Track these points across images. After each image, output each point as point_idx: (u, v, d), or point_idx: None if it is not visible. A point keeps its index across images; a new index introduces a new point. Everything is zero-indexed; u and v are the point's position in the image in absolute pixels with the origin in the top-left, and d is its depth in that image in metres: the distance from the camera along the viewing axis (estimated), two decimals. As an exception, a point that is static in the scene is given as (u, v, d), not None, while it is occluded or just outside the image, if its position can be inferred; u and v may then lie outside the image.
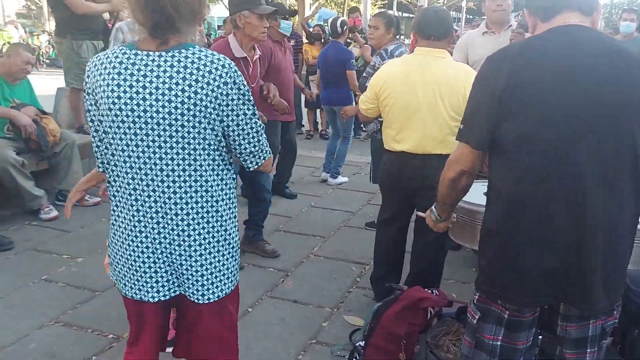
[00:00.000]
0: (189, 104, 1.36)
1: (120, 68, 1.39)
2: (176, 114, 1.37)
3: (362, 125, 7.92)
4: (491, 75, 1.49)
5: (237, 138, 1.47)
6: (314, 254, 3.65)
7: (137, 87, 1.38)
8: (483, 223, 1.64)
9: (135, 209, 1.47)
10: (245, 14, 2.96)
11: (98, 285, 3.06)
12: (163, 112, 1.37)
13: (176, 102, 1.36)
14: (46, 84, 8.01)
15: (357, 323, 2.73)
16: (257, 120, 1.49)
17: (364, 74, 3.81)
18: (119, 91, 1.38)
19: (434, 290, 2.52)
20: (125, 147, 1.42)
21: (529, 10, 1.60)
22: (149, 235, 1.48)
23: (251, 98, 1.46)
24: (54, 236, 3.73)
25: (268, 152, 1.58)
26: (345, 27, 5.39)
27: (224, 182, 1.52)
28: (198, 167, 1.44)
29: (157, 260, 1.50)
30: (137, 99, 1.38)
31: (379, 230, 2.98)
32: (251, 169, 1.56)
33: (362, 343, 2.43)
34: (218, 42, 3.27)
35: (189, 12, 1.40)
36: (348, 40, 7.32)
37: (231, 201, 1.55)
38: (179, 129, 1.39)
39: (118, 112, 1.39)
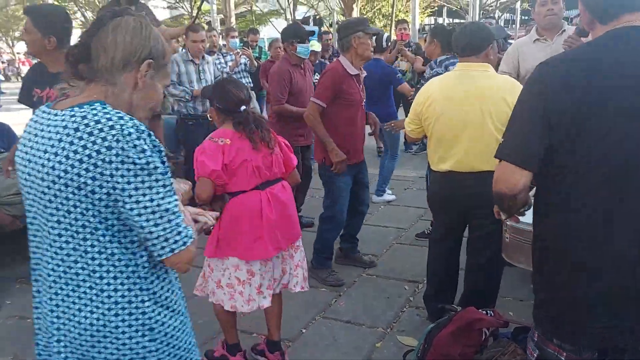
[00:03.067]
0: (67, 174, 1.16)
1: (28, 127, 1.28)
2: (59, 184, 1.17)
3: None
4: (543, 85, 1.39)
5: (135, 219, 1.18)
6: (367, 273, 3.66)
7: (30, 150, 1.23)
8: (534, 246, 1.57)
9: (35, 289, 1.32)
10: (359, 35, 3.26)
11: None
12: (46, 181, 1.19)
13: (59, 169, 1.16)
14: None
15: (410, 343, 2.72)
16: (166, 196, 1.19)
17: (419, 86, 3.84)
18: (19, 153, 1.27)
19: (489, 311, 2.48)
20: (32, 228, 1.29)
21: (585, 6, 1.45)
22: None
23: (152, 170, 1.17)
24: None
25: (184, 239, 1.23)
26: (390, 42, 5.40)
27: (122, 272, 1.23)
28: (83, 251, 1.21)
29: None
30: (29, 164, 1.23)
31: (431, 248, 2.96)
32: (161, 258, 1.22)
33: (416, 365, 2.42)
34: (333, 64, 3.46)
35: (108, 62, 1.22)
36: (397, 55, 7.34)
37: (137, 291, 1.24)
38: (63, 202, 1.18)
39: (19, 176, 1.28)
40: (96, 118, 1.15)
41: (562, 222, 1.45)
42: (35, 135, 1.22)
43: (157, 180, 1.18)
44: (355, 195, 3.66)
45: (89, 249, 1.20)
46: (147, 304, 1.25)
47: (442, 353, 2.33)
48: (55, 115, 1.21)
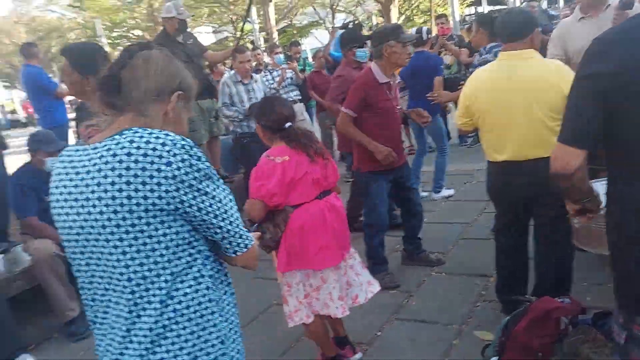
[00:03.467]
0: (131, 199, 1.14)
1: (60, 168, 1.25)
2: (122, 212, 1.15)
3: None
4: (597, 62, 1.40)
5: (212, 222, 1.22)
6: (435, 271, 3.67)
7: (74, 190, 1.20)
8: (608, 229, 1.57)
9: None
10: (391, 44, 3.27)
11: (240, 319, 3.37)
12: (102, 219, 1.16)
13: (120, 198, 1.14)
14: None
15: (487, 338, 2.72)
16: (225, 197, 1.24)
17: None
18: (56, 197, 1.24)
19: (564, 298, 2.44)
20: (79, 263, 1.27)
21: None
22: None
23: (212, 174, 1.22)
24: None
25: (250, 235, 1.31)
26: (430, 35, 5.37)
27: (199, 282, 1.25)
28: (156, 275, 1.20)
29: None
30: (76, 204, 1.19)
31: (497, 239, 2.95)
32: (233, 256, 1.30)
33: (495, 359, 2.42)
34: (364, 72, 3.49)
35: (149, 92, 1.23)
36: (440, 49, 7.28)
37: (212, 304, 1.28)
38: (128, 229, 1.17)
39: (60, 220, 1.25)
40: (145, 139, 1.14)
41: (619, 195, 1.48)
42: (77, 173, 1.19)
43: (217, 182, 1.23)
44: (404, 199, 3.71)
45: (161, 271, 1.19)
46: (215, 315, 1.29)
47: (521, 345, 2.32)
48: (95, 148, 1.19)
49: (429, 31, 5.39)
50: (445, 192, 5.35)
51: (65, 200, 1.21)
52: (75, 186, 1.19)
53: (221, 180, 1.26)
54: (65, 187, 1.21)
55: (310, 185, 2.46)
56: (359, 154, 3.48)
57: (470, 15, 32.56)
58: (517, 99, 2.49)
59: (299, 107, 6.75)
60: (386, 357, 2.72)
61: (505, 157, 2.60)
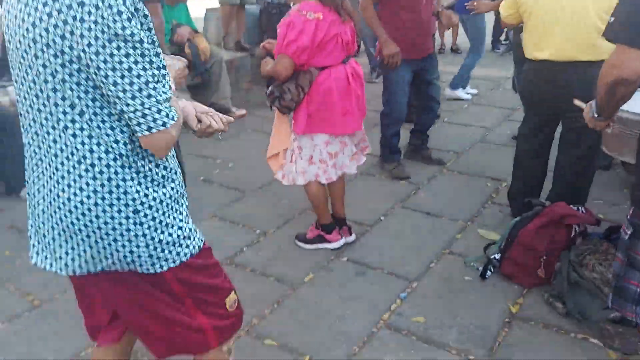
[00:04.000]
0: (43, 39, 1.04)
1: None
2: (48, 53, 1.05)
3: (500, 38, 7.31)
4: None
5: (110, 89, 1.04)
6: (447, 169, 3.61)
7: (21, 22, 1.08)
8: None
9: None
10: None
11: (246, 187, 3.39)
12: (39, 52, 1.06)
13: (47, 38, 1.04)
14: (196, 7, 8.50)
15: (491, 237, 2.72)
16: (147, 68, 1.05)
17: None
18: (8, 28, 1.13)
19: (580, 208, 2.39)
20: (24, 109, 1.18)
21: None
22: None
23: (139, 41, 1.03)
24: (209, 143, 4.14)
25: (164, 119, 1.08)
26: None
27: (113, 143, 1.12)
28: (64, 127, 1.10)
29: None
30: (24, 37, 1.08)
31: (520, 142, 2.84)
32: (139, 134, 1.09)
33: (497, 256, 2.43)
34: None
35: None
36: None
37: (129, 161, 1.14)
38: (51, 72, 1.07)
39: (14, 56, 1.14)
40: None
41: None
42: (23, 3, 1.08)
43: (134, 49, 1.03)
44: (422, 93, 3.56)
45: (69, 124, 1.09)
46: (128, 182, 1.14)
47: (527, 247, 2.31)
48: None
49: None
50: (461, 93, 5.13)
51: (15, 30, 1.10)
52: (22, 19, 1.08)
53: (153, 51, 1.06)
54: (11, 21, 1.11)
55: (339, 47, 2.35)
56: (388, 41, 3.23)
57: None
58: None
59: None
60: (387, 242, 2.74)
61: (546, 56, 2.47)
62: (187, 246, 1.26)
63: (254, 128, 4.46)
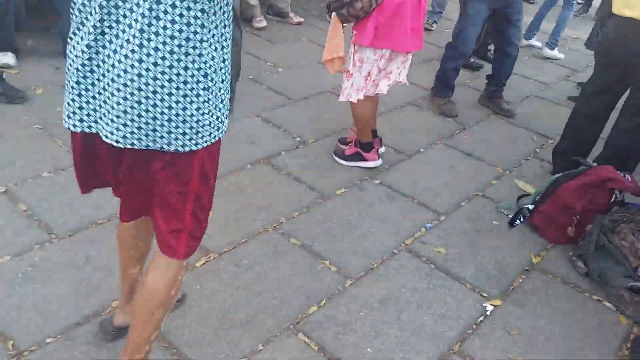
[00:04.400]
0: None
1: None
2: None
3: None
4: None
5: None
6: (497, 116, 3.52)
7: None
8: None
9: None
10: None
11: (292, 94, 3.38)
12: None
13: None
14: None
15: (527, 189, 2.70)
16: None
17: None
18: None
19: (626, 175, 2.34)
20: None
21: None
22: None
23: None
24: (261, 44, 4.09)
25: None
26: None
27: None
28: None
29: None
30: None
31: (581, 100, 2.74)
32: None
33: (530, 207, 2.42)
34: None
35: None
36: None
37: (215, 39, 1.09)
38: None
39: None
40: None
41: None
42: None
43: None
44: (501, 34, 3.37)
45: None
46: (204, 44, 1.08)
47: (563, 203, 2.29)
48: None
49: None
50: (557, 54, 4.87)
51: None
52: None
53: None
54: None
55: None
56: None
57: None
58: None
59: None
60: (422, 173, 2.74)
61: (633, 14, 2.34)
62: (221, 127, 1.19)
63: (309, 38, 4.36)
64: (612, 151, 2.57)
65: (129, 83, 1.05)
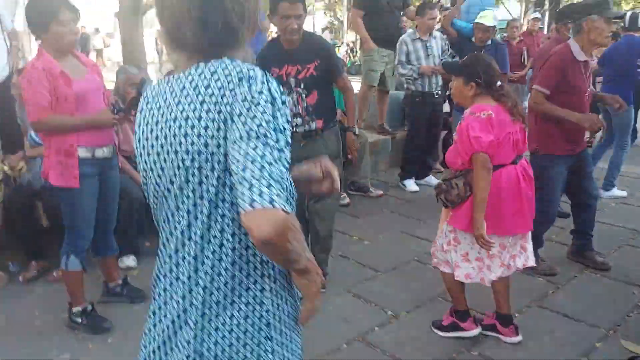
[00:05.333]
0: (201, 136, 1.04)
1: (149, 98, 1.18)
2: (193, 152, 1.05)
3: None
4: None
5: (230, 165, 1.00)
6: (590, 271, 3.47)
7: (158, 122, 1.12)
8: None
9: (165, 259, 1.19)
10: (594, 18, 3.05)
11: (380, 266, 3.59)
12: (181, 152, 1.06)
13: (192, 135, 1.05)
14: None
15: (637, 350, 2.56)
16: (269, 143, 0.98)
17: None
18: (142, 131, 1.17)
19: None
20: (154, 195, 1.17)
21: None
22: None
23: (264, 112, 1.00)
24: (347, 219, 4.45)
25: (272, 196, 0.93)
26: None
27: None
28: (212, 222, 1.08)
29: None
30: (154, 136, 1.12)
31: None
32: (240, 213, 0.96)
33: (643, 374, 2.29)
34: (561, 48, 3.23)
35: (248, 17, 1.11)
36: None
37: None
38: (195, 172, 1.06)
39: (141, 151, 1.17)
40: (226, 72, 1.05)
41: None
42: (159, 107, 1.12)
43: (260, 126, 0.98)
44: (579, 187, 3.45)
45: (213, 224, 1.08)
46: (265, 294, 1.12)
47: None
48: (178, 78, 1.11)
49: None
50: (616, 192, 4.89)
51: (150, 132, 1.14)
52: (157, 121, 1.12)
53: (282, 133, 1.01)
54: (146, 117, 1.16)
55: (510, 146, 2.44)
56: (542, 134, 3.23)
57: None
58: None
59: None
60: (523, 342, 2.68)
61: None
62: None
63: (390, 209, 4.70)
64: None
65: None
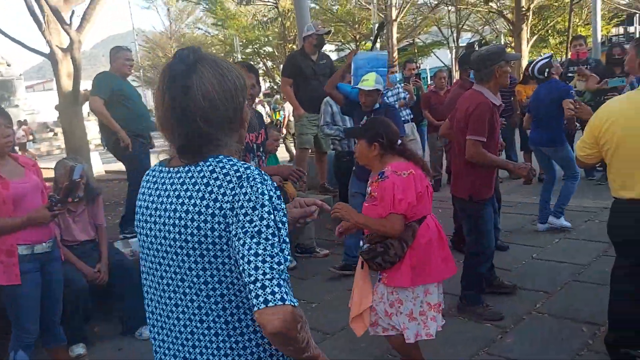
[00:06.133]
0: (200, 230, 1.15)
1: (146, 188, 1.29)
2: (193, 242, 1.15)
3: (598, 165, 7.07)
4: None
5: (240, 261, 1.11)
6: (537, 311, 3.41)
7: (157, 210, 1.22)
8: None
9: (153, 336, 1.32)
10: (502, 64, 3.25)
11: (328, 328, 3.43)
12: (180, 240, 1.17)
13: (192, 227, 1.15)
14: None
15: (589, 391, 2.47)
16: (275, 242, 1.11)
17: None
18: (142, 214, 1.28)
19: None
20: (149, 278, 1.29)
21: None
22: None
23: (270, 212, 1.13)
24: (293, 283, 4.29)
25: (283, 294, 1.09)
26: (547, 69, 4.94)
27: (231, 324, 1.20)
28: (206, 314, 1.20)
29: None
30: (157, 224, 1.22)
31: (614, 284, 2.67)
32: (254, 310, 1.09)
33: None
34: (476, 97, 3.29)
35: (224, 121, 1.20)
36: (570, 75, 6.81)
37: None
38: (198, 260, 1.16)
39: (143, 239, 1.27)
40: (224, 171, 1.15)
41: None
42: (159, 196, 1.23)
43: (267, 227, 1.11)
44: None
45: (209, 309, 1.19)
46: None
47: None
48: (177, 172, 1.21)
49: (544, 67, 4.91)
50: (564, 222, 4.96)
51: (149, 216, 1.25)
52: (157, 208, 1.22)
53: (280, 225, 1.15)
54: (147, 207, 1.26)
55: (428, 198, 2.55)
56: (474, 181, 3.33)
57: (618, 36, 29.66)
58: None
59: (410, 127, 6.71)
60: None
61: (633, 195, 2.38)
62: None
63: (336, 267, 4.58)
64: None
65: None
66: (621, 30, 29.35)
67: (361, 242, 2.63)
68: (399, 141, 2.59)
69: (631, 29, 28.44)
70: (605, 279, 3.66)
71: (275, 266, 1.09)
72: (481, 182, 3.34)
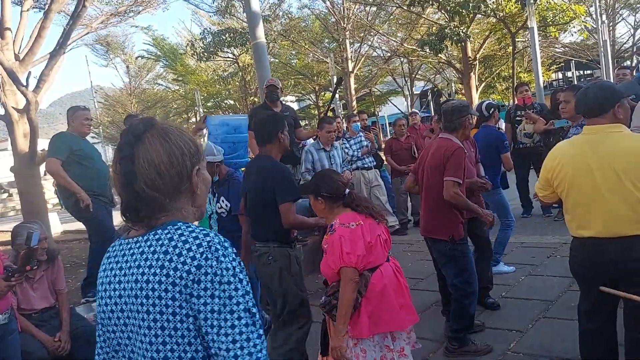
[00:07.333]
0: (161, 299, 1.13)
1: (107, 263, 1.28)
2: (154, 312, 1.13)
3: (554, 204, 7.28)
4: None
5: (213, 340, 1.11)
6: (512, 351, 3.42)
7: (120, 282, 1.21)
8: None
9: None
10: (469, 117, 3.64)
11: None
12: (142, 312, 1.15)
13: (153, 297, 1.13)
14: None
15: None
16: (246, 317, 1.12)
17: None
18: (105, 290, 1.25)
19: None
20: (110, 351, 1.27)
21: None
22: None
23: (237, 288, 1.13)
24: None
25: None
26: (493, 109, 5.20)
27: None
28: None
29: None
30: (115, 297, 1.21)
31: (581, 322, 2.71)
32: None
33: None
34: (450, 143, 3.45)
35: (169, 187, 1.21)
36: (518, 119, 7.14)
37: None
38: (159, 333, 1.14)
39: (102, 310, 1.25)
40: (183, 238, 1.16)
41: None
42: (120, 268, 1.22)
43: (238, 304, 1.12)
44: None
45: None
46: None
47: None
48: (136, 242, 1.21)
49: (489, 106, 5.10)
50: (503, 268, 5.02)
51: (112, 290, 1.23)
52: (119, 281, 1.21)
53: (247, 297, 1.15)
54: (109, 282, 1.24)
55: (381, 247, 2.54)
56: (453, 222, 3.42)
57: (558, 81, 31.73)
58: (605, 174, 2.36)
59: (373, 174, 6.84)
60: None
61: (591, 234, 2.45)
62: None
63: (313, 318, 4.49)
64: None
65: None
66: (560, 75, 31.47)
67: (322, 297, 2.60)
68: (347, 191, 2.62)
69: (569, 74, 30.48)
70: (573, 314, 3.72)
71: (246, 344, 1.11)
72: (459, 220, 3.44)
